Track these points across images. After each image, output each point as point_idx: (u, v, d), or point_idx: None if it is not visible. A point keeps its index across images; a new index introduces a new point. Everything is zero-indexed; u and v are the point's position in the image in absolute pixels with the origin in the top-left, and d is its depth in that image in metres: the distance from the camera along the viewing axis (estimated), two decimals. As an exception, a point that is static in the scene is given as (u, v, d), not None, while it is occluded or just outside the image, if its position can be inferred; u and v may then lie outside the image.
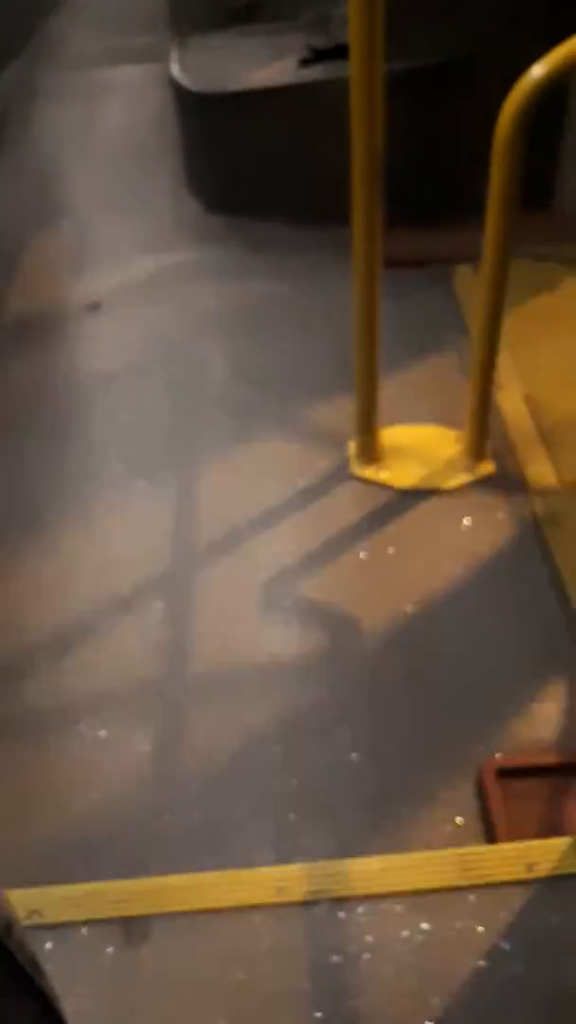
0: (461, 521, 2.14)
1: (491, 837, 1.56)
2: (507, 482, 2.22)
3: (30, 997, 0.80)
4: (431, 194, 2.96)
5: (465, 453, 2.27)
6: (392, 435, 2.33)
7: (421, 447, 2.32)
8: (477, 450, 2.25)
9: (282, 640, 1.93)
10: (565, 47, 1.58)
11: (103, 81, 4.19)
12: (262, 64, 3.06)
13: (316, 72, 2.93)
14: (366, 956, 1.41)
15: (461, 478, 2.23)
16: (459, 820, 1.60)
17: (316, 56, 2.97)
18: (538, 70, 1.59)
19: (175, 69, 3.21)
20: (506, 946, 1.40)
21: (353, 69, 1.65)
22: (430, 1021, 1.34)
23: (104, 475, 2.35)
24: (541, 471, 2.20)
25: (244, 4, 3.29)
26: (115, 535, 2.19)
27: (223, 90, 3.03)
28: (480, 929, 1.42)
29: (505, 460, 2.26)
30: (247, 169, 3.13)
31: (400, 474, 2.26)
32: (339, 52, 2.83)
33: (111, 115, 4.02)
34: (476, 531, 2.12)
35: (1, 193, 3.58)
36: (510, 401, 2.40)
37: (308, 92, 2.88)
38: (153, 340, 2.79)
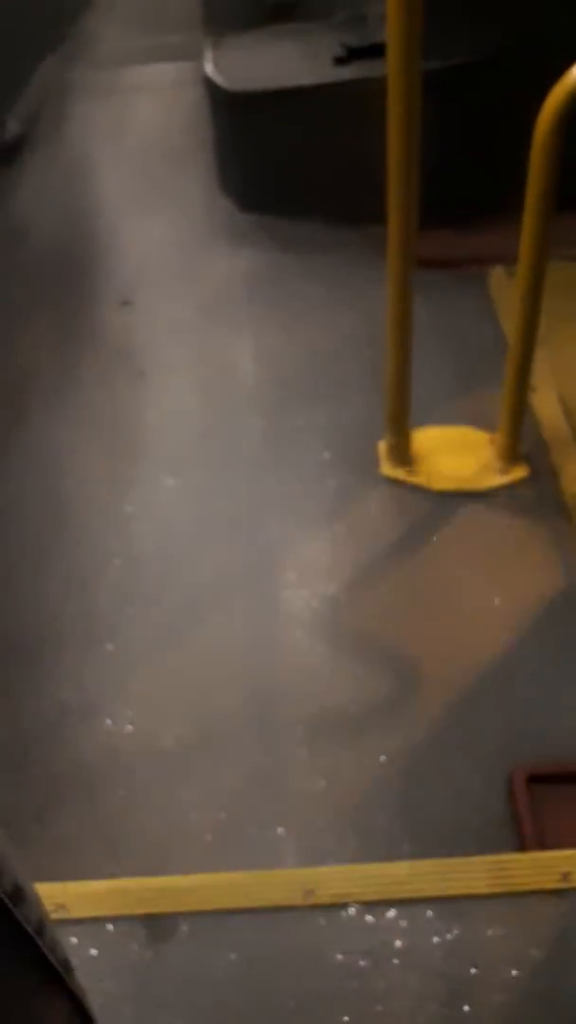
0: (493, 523, 2.13)
1: (521, 844, 1.55)
2: (540, 484, 2.20)
3: (62, 997, 0.81)
4: (467, 195, 2.94)
5: (498, 455, 2.25)
6: (424, 436, 2.32)
7: (454, 448, 2.30)
8: (511, 452, 2.23)
9: (312, 642, 1.93)
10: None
11: (136, 79, 4.21)
12: (296, 63, 3.06)
13: (351, 71, 2.92)
14: (394, 961, 1.41)
15: (495, 480, 2.21)
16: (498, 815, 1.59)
17: (351, 55, 2.96)
18: (579, 70, 1.58)
19: (209, 68, 3.21)
20: (537, 955, 1.39)
21: (391, 68, 1.64)
22: (459, 1027, 1.34)
23: (133, 472, 2.36)
24: (574, 474, 2.18)
25: (276, 3, 3.29)
26: (144, 533, 2.20)
27: (257, 89, 3.02)
28: (511, 937, 1.41)
29: (539, 462, 2.24)
30: (280, 168, 3.13)
31: (432, 476, 2.25)
32: (374, 51, 2.81)
33: (144, 113, 4.03)
34: (508, 533, 2.10)
35: (34, 190, 3.60)
36: (545, 403, 2.38)
37: (342, 91, 2.87)
38: (185, 338, 2.79)
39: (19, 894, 0.68)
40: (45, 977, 0.77)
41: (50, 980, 0.78)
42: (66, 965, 0.82)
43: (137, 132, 3.90)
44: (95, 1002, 1.42)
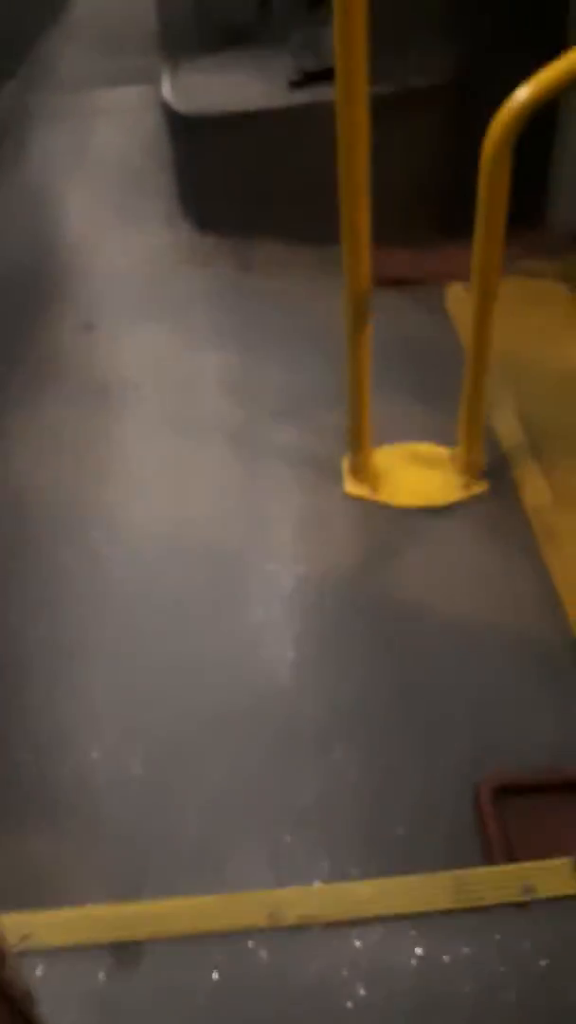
0: (455, 539, 2.15)
1: (488, 856, 1.56)
2: (502, 498, 2.22)
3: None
4: (423, 213, 2.98)
5: (459, 470, 2.27)
6: (385, 453, 2.34)
7: (415, 464, 2.33)
8: (471, 467, 2.26)
9: (278, 660, 1.93)
10: (548, 71, 1.60)
11: (97, 103, 4.23)
12: (252, 86, 3.09)
13: (305, 95, 2.96)
14: (359, 981, 1.40)
15: (456, 495, 2.24)
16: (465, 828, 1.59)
17: (306, 78, 3.00)
18: (523, 93, 1.61)
19: (166, 91, 3.24)
20: (503, 969, 1.39)
21: (337, 91, 1.67)
22: (425, 1046, 1.33)
23: (100, 496, 2.36)
24: (536, 486, 2.21)
25: (231, 27, 3.32)
26: (110, 556, 2.20)
27: (213, 112, 3.06)
28: (476, 952, 1.41)
29: (499, 476, 2.27)
30: (238, 190, 3.16)
31: (394, 492, 2.26)
32: (329, 74, 2.85)
33: (105, 136, 4.05)
34: (471, 548, 2.12)
35: (-5, 215, 3.61)
36: (503, 417, 2.40)
37: (297, 114, 2.91)
38: (148, 360, 2.80)
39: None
40: (7, 1010, 0.76)
41: (12, 1013, 0.77)
42: (28, 997, 0.81)
43: (98, 156, 3.92)
44: (60, 1033, 1.41)
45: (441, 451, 2.34)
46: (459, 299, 2.80)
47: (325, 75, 2.92)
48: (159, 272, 3.16)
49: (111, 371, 2.77)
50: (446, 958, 1.39)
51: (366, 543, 2.18)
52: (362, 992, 1.39)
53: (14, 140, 4.12)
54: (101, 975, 1.45)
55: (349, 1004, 1.39)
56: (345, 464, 2.33)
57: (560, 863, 1.50)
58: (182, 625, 2.02)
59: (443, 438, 2.36)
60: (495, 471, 2.28)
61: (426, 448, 2.37)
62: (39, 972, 1.47)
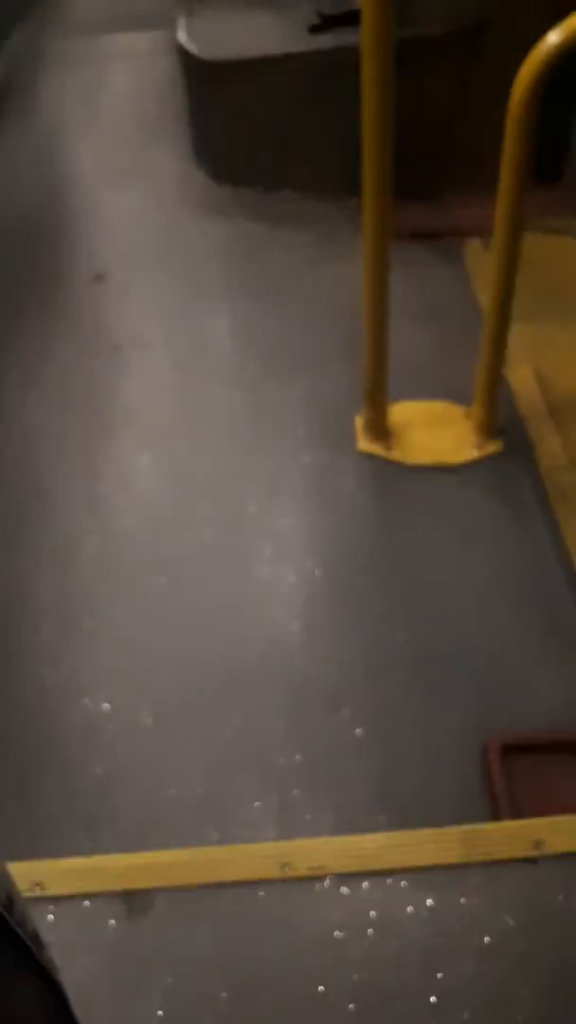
0: (468, 499, 2.13)
1: (495, 814, 1.57)
2: (516, 458, 2.21)
3: (33, 973, 0.80)
4: (443, 166, 2.92)
5: (474, 429, 2.25)
6: (400, 410, 2.32)
7: (429, 423, 2.31)
8: (486, 426, 2.24)
9: (287, 617, 1.93)
10: (580, 14, 1.55)
11: (110, 47, 4.13)
12: (270, 32, 3.01)
13: (325, 40, 2.88)
14: (370, 931, 1.42)
15: (470, 455, 2.22)
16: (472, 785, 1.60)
17: (325, 23, 2.92)
18: (553, 37, 1.57)
19: (182, 36, 3.16)
20: (511, 922, 1.41)
21: (364, 36, 1.62)
22: (434, 995, 1.36)
23: (109, 448, 2.35)
24: (551, 447, 2.19)
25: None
26: (119, 510, 2.19)
27: (230, 58, 2.98)
28: (485, 906, 1.43)
29: (514, 436, 2.25)
30: (255, 139, 3.09)
31: (408, 450, 2.25)
32: (349, 19, 2.78)
33: (118, 82, 3.96)
34: (484, 507, 2.11)
35: (6, 161, 3.54)
36: (520, 377, 2.38)
37: (317, 60, 2.83)
38: (159, 312, 2.77)
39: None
40: (15, 953, 0.77)
41: (20, 956, 0.78)
42: (36, 940, 0.82)
43: (110, 102, 3.84)
44: (73, 979, 1.43)
45: (456, 409, 2.32)
46: (478, 255, 2.75)
47: (346, 19, 2.85)
48: (172, 222, 3.11)
49: (122, 322, 2.74)
50: (456, 911, 1.41)
51: (378, 502, 2.17)
52: (372, 942, 1.41)
53: (25, 85, 4.03)
54: (111, 922, 1.48)
55: (358, 953, 1.41)
56: (359, 421, 2.31)
57: (568, 819, 1.51)
58: (191, 580, 2.02)
59: (459, 396, 2.33)
60: (510, 430, 2.26)
61: (441, 406, 2.35)
62: (50, 919, 1.49)
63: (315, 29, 2.93)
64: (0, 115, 3.78)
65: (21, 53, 4.22)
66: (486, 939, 1.39)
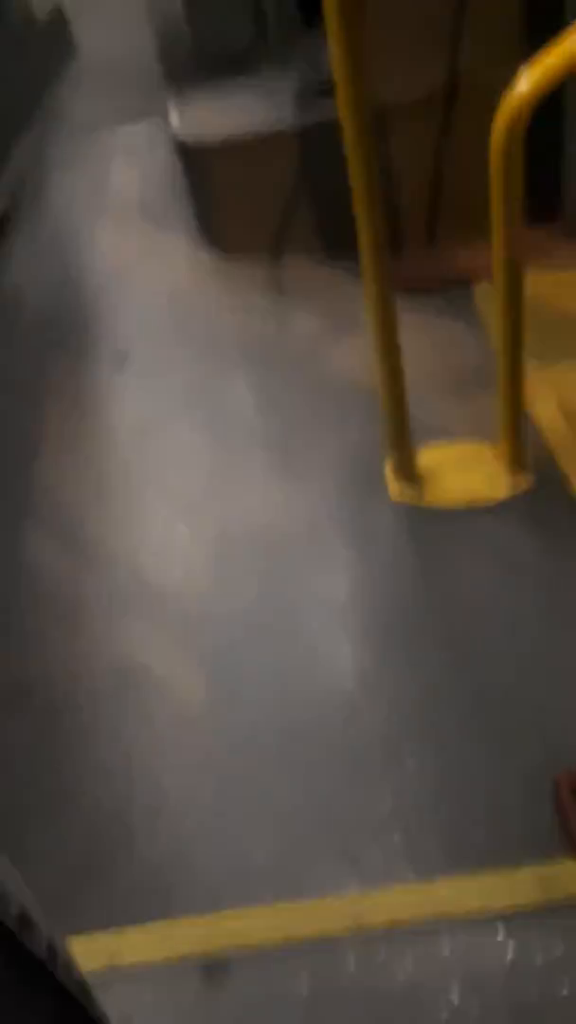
0: (507, 537, 2.16)
1: (571, 852, 1.57)
2: (550, 492, 2.23)
3: (47, 993, 0.81)
4: (444, 217, 3.01)
5: (504, 466, 2.29)
6: (428, 454, 2.36)
7: (459, 464, 2.35)
8: (516, 463, 2.27)
9: (339, 673, 1.97)
10: (544, 60, 1.62)
11: (110, 142, 4.36)
12: (257, 110, 3.16)
13: (311, 114, 3.02)
14: (451, 987, 1.43)
15: (503, 491, 2.25)
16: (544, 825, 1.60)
17: (308, 97, 3.05)
18: (522, 86, 1.64)
19: (174, 123, 3.33)
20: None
21: (341, 107, 1.72)
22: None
23: (147, 521, 2.43)
24: (581, 476, 2.22)
25: (226, 54, 3.37)
26: (162, 581, 2.26)
27: (221, 139, 3.13)
28: (569, 951, 1.42)
29: (546, 470, 2.28)
30: (255, 212, 3.23)
31: (440, 493, 2.29)
32: (332, 91, 2.91)
33: (121, 174, 4.17)
34: (523, 542, 2.14)
35: (24, 263, 3.74)
36: (545, 411, 2.42)
37: (306, 133, 2.97)
38: (183, 382, 2.88)
39: (26, 921, 0.71)
40: (60, 1002, 0.79)
41: (66, 1004, 0.80)
42: (83, 988, 0.83)
43: (116, 193, 4.03)
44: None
45: (484, 448, 2.36)
46: (487, 297, 2.82)
47: (328, 92, 2.98)
48: (185, 301, 3.24)
49: (148, 403, 2.85)
50: (539, 958, 1.41)
51: (417, 547, 2.21)
52: (454, 997, 1.41)
53: (34, 187, 4.26)
54: (191, 990, 1.50)
55: (443, 1011, 1.41)
56: (388, 470, 2.36)
57: None
58: (238, 647, 2.07)
59: (486, 435, 2.38)
60: (542, 465, 2.29)
61: (469, 446, 2.39)
62: (130, 989, 1.51)
63: (299, 104, 3.06)
64: (14, 222, 3.99)
65: (28, 158, 4.47)
66: (574, 987, 1.38)
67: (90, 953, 1.54)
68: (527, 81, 1.64)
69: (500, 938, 1.46)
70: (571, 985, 1.39)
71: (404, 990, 1.44)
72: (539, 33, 2.30)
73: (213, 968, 1.51)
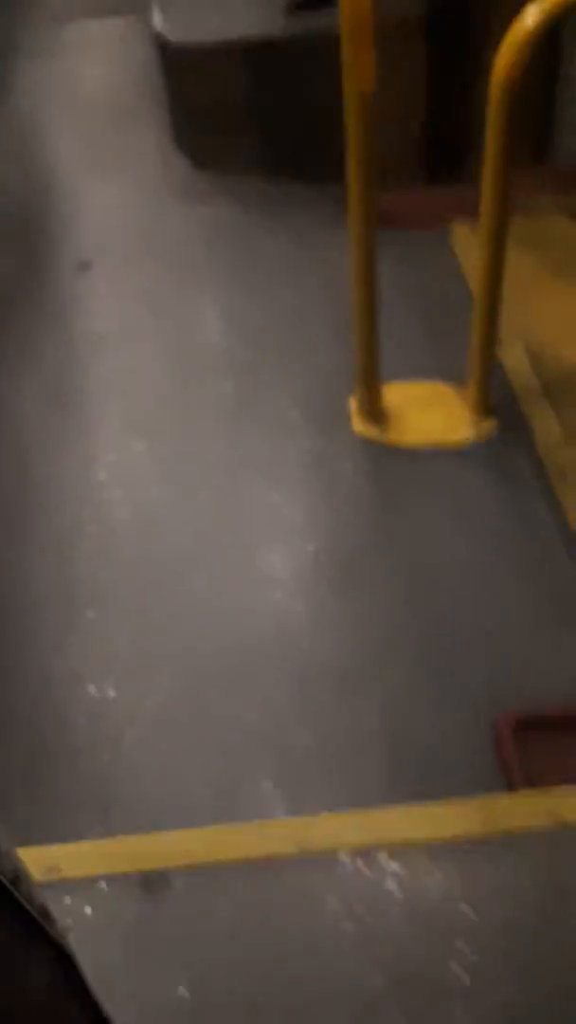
0: (467, 478, 2.18)
1: (509, 787, 1.62)
2: (512, 436, 2.25)
3: (44, 945, 0.84)
4: (428, 150, 2.95)
5: (469, 409, 2.29)
6: (394, 392, 2.35)
7: (424, 404, 2.34)
8: (481, 406, 2.27)
9: (291, 601, 1.97)
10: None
11: (84, 35, 4.14)
12: (247, 13, 3.03)
13: (304, 22, 2.90)
14: (388, 904, 1.47)
15: (465, 434, 2.26)
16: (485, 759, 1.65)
17: (304, 4, 2.94)
18: (530, 17, 1.60)
19: (156, 21, 3.17)
20: (531, 891, 1.46)
21: (343, 17, 1.65)
22: (456, 964, 1.41)
23: (102, 438, 2.38)
24: (545, 425, 2.24)
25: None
26: (116, 498, 2.22)
27: (207, 42, 3.00)
28: (500, 877, 1.48)
29: (509, 415, 2.29)
30: (236, 124, 3.11)
31: (404, 432, 2.29)
32: (327, 0, 2.81)
33: (95, 70, 3.97)
34: (482, 486, 2.16)
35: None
36: (512, 356, 2.42)
37: (296, 43, 2.85)
38: (147, 299, 2.79)
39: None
40: (24, 927, 0.80)
41: (29, 930, 0.81)
42: (44, 913, 0.85)
43: (88, 90, 3.84)
44: (94, 960, 1.47)
45: (450, 390, 2.36)
46: (466, 237, 2.78)
47: (324, 1, 2.87)
48: (155, 210, 3.13)
49: (111, 313, 2.76)
50: (477, 880, 1.46)
51: (376, 484, 2.21)
52: (390, 915, 1.46)
53: (1, 77, 4.04)
54: (130, 903, 1.52)
55: (377, 927, 1.45)
56: (353, 404, 2.34)
57: (580, 790, 1.56)
58: (193, 567, 2.05)
59: (452, 377, 2.37)
60: (505, 409, 2.30)
61: (435, 386, 2.38)
62: (68, 901, 1.53)
63: (294, 9, 2.94)
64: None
65: (-6, 44, 4.23)
66: (504, 909, 1.44)
67: (28, 866, 1.54)
68: (535, 13, 1.59)
69: (440, 862, 1.51)
70: (504, 906, 1.44)
71: (340, 906, 1.48)
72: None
73: (153, 883, 1.53)
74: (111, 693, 1.84)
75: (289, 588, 1.99)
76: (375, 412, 2.30)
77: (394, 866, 1.49)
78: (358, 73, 1.71)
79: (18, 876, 0.78)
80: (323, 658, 1.86)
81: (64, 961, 0.90)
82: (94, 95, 3.80)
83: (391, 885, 1.48)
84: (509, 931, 1.43)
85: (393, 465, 2.22)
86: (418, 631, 1.89)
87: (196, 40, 3.05)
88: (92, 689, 1.85)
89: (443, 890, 1.46)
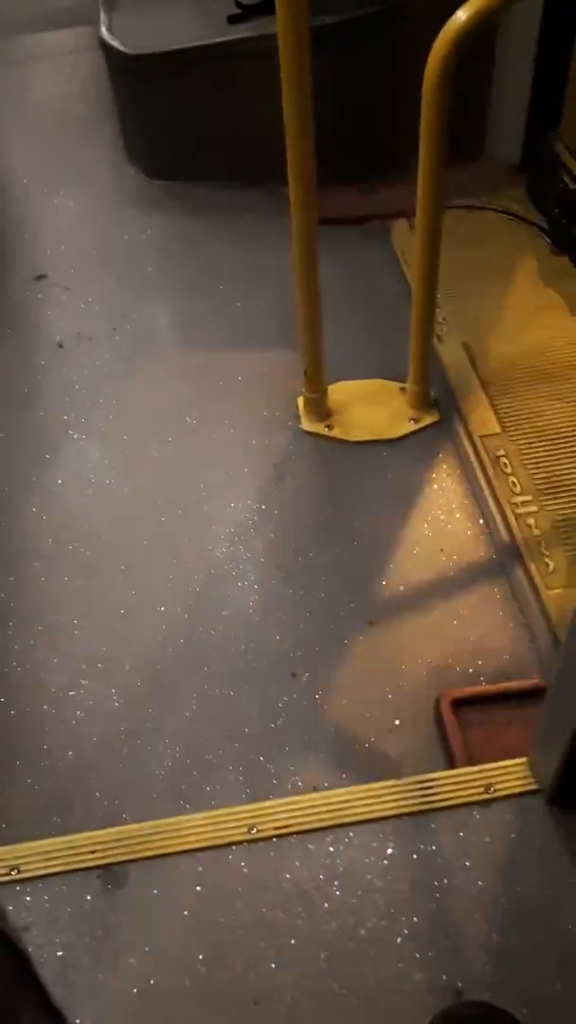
0: (408, 469, 2.18)
1: (451, 764, 1.62)
2: (451, 429, 2.25)
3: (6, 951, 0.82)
4: (369, 150, 2.95)
5: (409, 403, 2.29)
6: (339, 390, 2.35)
7: (366, 400, 2.34)
8: (421, 400, 2.28)
9: (242, 593, 1.96)
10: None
11: (32, 47, 4.07)
12: (192, 23, 3.00)
13: (245, 29, 2.88)
14: (336, 883, 1.47)
15: (406, 427, 2.26)
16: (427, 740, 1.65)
17: (245, 12, 2.91)
18: (461, 14, 1.59)
19: (104, 31, 3.13)
20: (468, 864, 1.46)
21: (279, 24, 1.63)
22: (400, 938, 1.40)
23: (59, 443, 2.34)
24: (482, 416, 2.24)
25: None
26: (73, 503, 2.19)
27: (153, 51, 2.96)
28: (443, 850, 1.48)
29: (448, 408, 2.29)
30: (183, 132, 3.08)
31: (348, 427, 2.28)
32: (267, 8, 2.78)
33: (42, 83, 3.91)
34: (422, 476, 2.16)
35: None
36: (450, 351, 2.42)
37: (237, 49, 2.83)
38: (101, 308, 2.76)
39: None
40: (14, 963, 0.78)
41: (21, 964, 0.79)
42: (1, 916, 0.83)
43: (37, 104, 3.79)
44: (53, 955, 1.45)
45: (392, 385, 2.36)
46: (404, 235, 2.78)
47: (264, 8, 2.84)
48: (108, 219, 3.09)
49: (64, 321, 2.73)
50: (415, 856, 1.46)
51: (323, 478, 2.20)
52: (337, 893, 1.45)
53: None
54: (88, 898, 1.50)
55: (326, 905, 1.45)
56: (300, 402, 2.33)
57: (516, 763, 1.56)
58: (148, 566, 2.03)
59: (394, 373, 2.37)
60: (444, 403, 2.31)
61: (377, 383, 2.38)
62: (28, 900, 1.51)
63: (234, 19, 2.92)
64: None
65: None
66: (445, 881, 1.44)
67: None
68: (466, 10, 1.58)
69: (380, 839, 1.50)
70: (441, 877, 1.45)
71: (291, 887, 1.47)
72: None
73: (110, 876, 1.51)
74: (71, 693, 1.81)
75: (239, 581, 1.99)
76: (321, 410, 2.29)
77: (340, 847, 1.48)
78: (294, 77, 1.68)
79: None
80: (273, 646, 1.86)
81: (16, 956, 0.87)
82: (45, 107, 3.75)
83: (338, 865, 1.47)
84: (446, 900, 1.43)
85: (338, 459, 2.22)
86: (362, 616, 1.89)
87: (142, 49, 3.01)
88: (53, 690, 1.81)
89: (384, 867, 1.45)
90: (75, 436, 2.36)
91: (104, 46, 3.13)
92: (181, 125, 3.09)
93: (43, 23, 4.19)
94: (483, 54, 2.78)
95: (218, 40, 2.88)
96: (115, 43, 3.06)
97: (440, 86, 1.67)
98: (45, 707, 1.80)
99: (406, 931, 1.40)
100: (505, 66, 2.80)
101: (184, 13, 3.07)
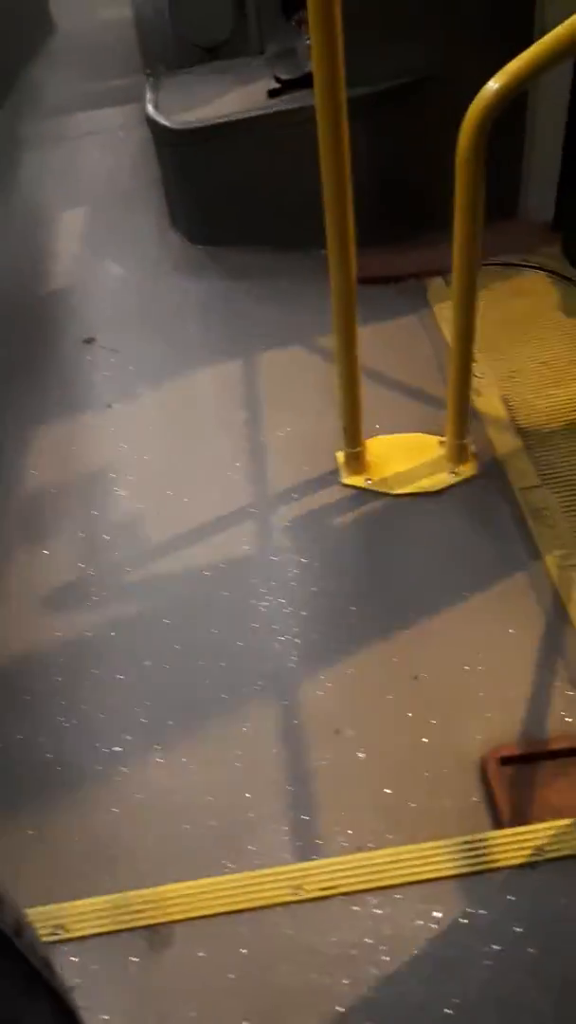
0: (449, 522, 2.14)
1: (497, 824, 1.55)
2: (490, 480, 2.21)
3: (44, 996, 0.79)
4: (404, 212, 2.97)
5: (449, 456, 2.26)
6: (378, 444, 2.33)
7: (407, 453, 2.32)
8: (459, 453, 2.25)
9: (284, 648, 1.92)
10: (516, 62, 1.59)
11: (83, 125, 4.21)
12: (233, 98, 3.08)
13: (284, 102, 2.94)
14: (382, 948, 1.40)
15: (447, 480, 2.23)
16: (473, 799, 1.59)
17: (283, 86, 2.98)
18: (493, 84, 1.60)
19: (150, 108, 3.22)
20: (518, 929, 1.39)
21: (317, 96, 1.65)
22: (447, 1007, 1.33)
23: (107, 502, 2.35)
24: (521, 468, 2.20)
25: (208, 46, 3.29)
26: (122, 560, 2.18)
27: (196, 125, 3.04)
28: (491, 914, 1.41)
29: (487, 460, 2.26)
30: (225, 200, 3.14)
31: (389, 481, 2.26)
32: (305, 81, 2.84)
33: (93, 157, 4.03)
34: (462, 528, 2.11)
35: (-8, 237, 3.59)
36: (489, 404, 2.40)
37: (277, 121, 2.89)
38: (147, 369, 2.79)
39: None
40: (26, 978, 0.75)
41: (31, 980, 0.76)
42: (48, 966, 0.80)
43: (88, 176, 3.90)
44: (98, 1017, 1.40)
45: (431, 439, 2.33)
46: (441, 293, 2.79)
47: (302, 82, 2.91)
48: (153, 284, 3.15)
49: (113, 382, 2.76)
50: (464, 919, 1.39)
51: (364, 531, 2.17)
52: (385, 958, 1.38)
53: (5, 166, 4.10)
54: (134, 959, 1.45)
55: (374, 971, 1.38)
56: (340, 456, 2.31)
57: (565, 824, 1.49)
58: (193, 621, 2.01)
59: (432, 427, 2.35)
60: (483, 455, 2.27)
61: (416, 437, 2.36)
62: (74, 960, 1.46)
63: (274, 93, 2.99)
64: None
65: (0, 137, 4.30)
66: (495, 947, 1.37)
67: (36, 925, 1.47)
68: (498, 81, 1.59)
69: (428, 902, 1.43)
70: (491, 942, 1.38)
71: (337, 950, 1.40)
72: (507, 34, 2.27)
73: (157, 937, 1.46)
74: (116, 749, 1.78)
75: (282, 635, 1.95)
76: (361, 464, 2.27)
77: (386, 910, 1.41)
78: (331, 145, 1.70)
79: (20, 927, 0.73)
80: (315, 703, 1.81)
81: (65, 1014, 0.84)
82: (94, 180, 3.86)
83: (384, 929, 1.40)
84: (496, 966, 1.36)
85: (379, 513, 2.19)
86: (406, 671, 1.84)
87: (186, 124, 3.09)
88: (98, 746, 1.78)
89: (432, 930, 1.38)
90: (123, 494, 2.36)
91: (150, 121, 3.23)
92: (222, 193, 3.15)
93: (95, 101, 4.34)
94: (516, 116, 2.80)
95: (258, 113, 2.94)
96: (160, 118, 3.15)
97: (473, 153, 1.68)
98: (89, 762, 1.76)
99: (455, 999, 1.33)
100: (536, 127, 2.82)
101: (226, 89, 3.16)
